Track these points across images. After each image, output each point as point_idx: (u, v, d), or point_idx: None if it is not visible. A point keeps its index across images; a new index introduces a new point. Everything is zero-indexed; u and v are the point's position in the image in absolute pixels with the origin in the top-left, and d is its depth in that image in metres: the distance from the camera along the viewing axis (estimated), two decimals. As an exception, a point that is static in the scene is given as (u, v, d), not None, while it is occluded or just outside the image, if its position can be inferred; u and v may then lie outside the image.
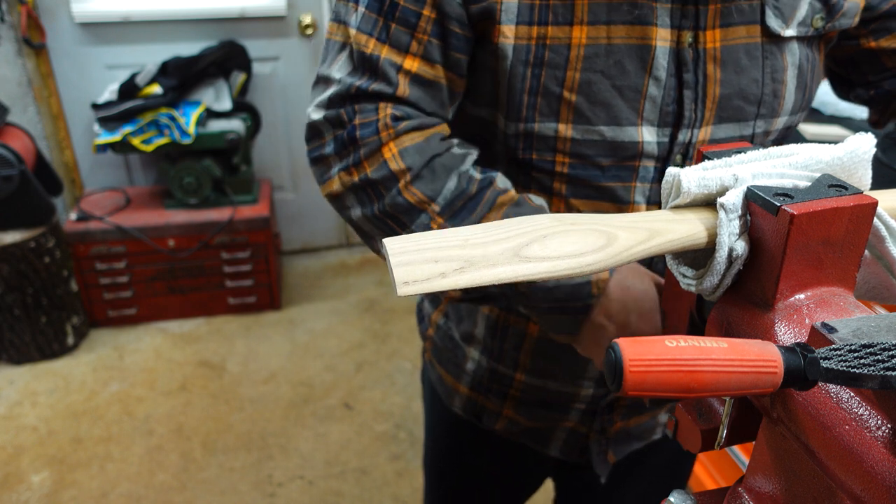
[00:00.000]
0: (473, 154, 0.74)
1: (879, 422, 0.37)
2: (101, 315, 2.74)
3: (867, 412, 0.38)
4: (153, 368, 2.55)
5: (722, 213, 0.47)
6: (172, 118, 2.50)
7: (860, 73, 0.88)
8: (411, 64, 0.70)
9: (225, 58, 2.71)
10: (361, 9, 0.71)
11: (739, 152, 0.51)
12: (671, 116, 0.72)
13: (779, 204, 0.44)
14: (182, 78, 2.56)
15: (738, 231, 0.47)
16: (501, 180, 0.72)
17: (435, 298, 0.97)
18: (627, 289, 0.71)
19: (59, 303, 2.54)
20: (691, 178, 0.49)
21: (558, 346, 0.84)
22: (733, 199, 0.47)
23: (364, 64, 0.70)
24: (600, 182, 0.74)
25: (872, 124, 0.94)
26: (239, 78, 2.77)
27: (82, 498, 2.03)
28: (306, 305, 2.92)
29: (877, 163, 1.21)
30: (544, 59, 0.69)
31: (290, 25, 2.88)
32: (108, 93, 2.58)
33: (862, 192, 0.46)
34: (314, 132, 0.74)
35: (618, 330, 0.70)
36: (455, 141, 0.74)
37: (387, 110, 0.70)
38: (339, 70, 0.72)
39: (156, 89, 2.54)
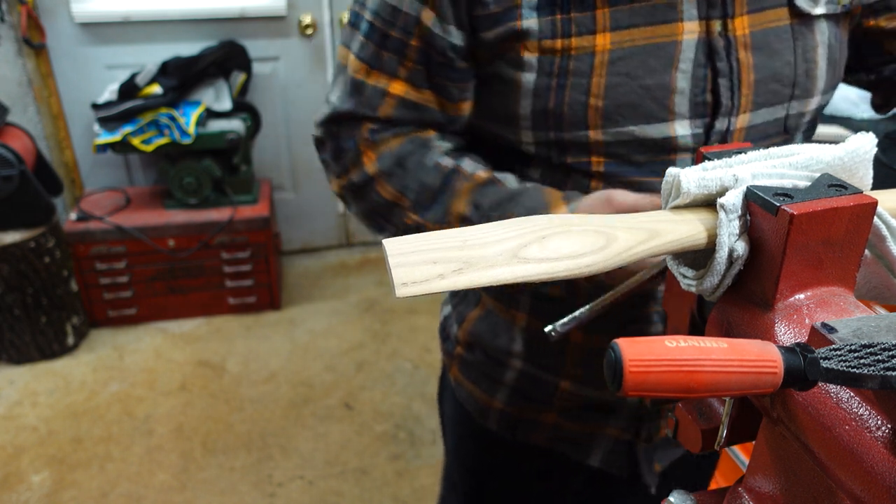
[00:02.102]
0: (441, 142, 0.79)
1: (879, 422, 0.37)
2: (101, 315, 2.74)
3: (867, 412, 0.38)
4: (153, 368, 2.55)
5: (722, 214, 0.47)
6: (172, 118, 2.50)
7: (860, 56, 0.88)
8: (398, 88, 0.76)
9: (225, 58, 2.71)
10: (360, 37, 0.77)
11: (740, 153, 0.51)
12: (704, 107, 0.72)
13: (778, 204, 0.44)
14: (182, 78, 2.56)
15: (738, 231, 0.47)
16: (470, 165, 0.77)
17: (461, 316, 0.96)
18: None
19: (59, 303, 2.54)
20: (691, 179, 0.49)
21: (602, 354, 0.84)
22: (733, 199, 0.47)
23: (353, 89, 0.78)
24: (638, 177, 0.74)
25: (876, 108, 0.93)
26: (239, 78, 2.77)
27: (82, 498, 2.03)
28: (306, 305, 2.92)
29: (877, 163, 1.20)
30: (569, 69, 0.70)
31: (290, 25, 2.88)
32: (108, 93, 2.58)
33: (861, 192, 0.46)
34: (317, 143, 0.85)
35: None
36: (433, 135, 0.79)
37: (365, 125, 0.78)
38: (334, 94, 0.81)
39: (156, 89, 2.54)
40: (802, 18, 0.73)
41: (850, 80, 0.93)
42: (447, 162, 0.77)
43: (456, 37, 0.73)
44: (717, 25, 0.70)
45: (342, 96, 0.80)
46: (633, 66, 0.69)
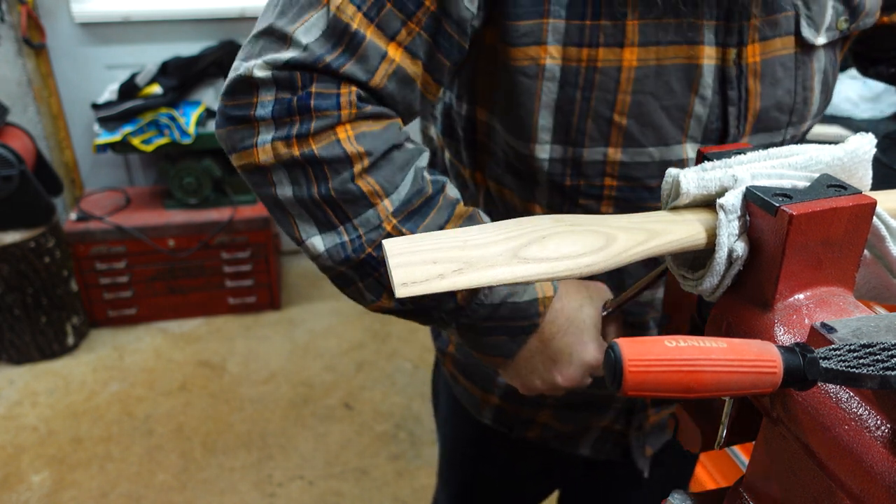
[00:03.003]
0: (427, 152, 0.69)
1: (879, 422, 0.37)
2: (101, 315, 2.74)
3: (867, 412, 0.38)
4: (153, 368, 2.55)
5: (721, 214, 0.47)
6: (172, 118, 2.50)
7: (880, 49, 0.88)
8: (395, 53, 0.61)
9: (225, 58, 2.71)
10: None
11: (739, 153, 0.51)
12: (715, 133, 0.71)
13: (777, 204, 0.44)
14: (182, 78, 2.56)
15: (737, 232, 0.47)
16: (451, 188, 0.67)
17: None
18: (571, 311, 0.69)
19: (59, 303, 2.54)
20: (690, 179, 0.49)
21: None
22: (732, 199, 0.47)
23: (342, 37, 0.60)
24: (648, 203, 0.73)
25: None
26: (239, 78, 2.77)
27: (82, 498, 2.03)
28: (306, 305, 2.92)
29: (877, 163, 1.21)
30: (594, 83, 0.67)
31: (289, 25, 2.88)
32: (108, 93, 2.58)
33: (860, 192, 0.46)
34: (247, 87, 0.61)
35: (551, 356, 0.69)
36: (409, 133, 0.69)
37: (351, 88, 0.61)
38: (306, 33, 0.60)
39: (156, 89, 2.54)
40: (805, 48, 0.73)
41: (871, 73, 0.94)
42: (429, 175, 0.66)
43: (475, 13, 0.63)
44: (732, 53, 0.69)
45: (322, 41, 0.60)
46: (657, 85, 0.67)
